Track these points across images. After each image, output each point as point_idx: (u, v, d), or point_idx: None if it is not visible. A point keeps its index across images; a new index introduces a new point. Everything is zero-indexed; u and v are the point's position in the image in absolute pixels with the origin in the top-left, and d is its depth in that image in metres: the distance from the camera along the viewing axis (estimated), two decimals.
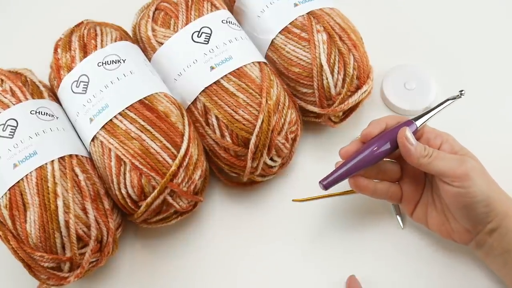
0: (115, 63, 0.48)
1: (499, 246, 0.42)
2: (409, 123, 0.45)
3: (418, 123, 0.45)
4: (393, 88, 0.57)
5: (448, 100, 0.47)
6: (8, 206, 0.43)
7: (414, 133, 0.44)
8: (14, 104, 0.47)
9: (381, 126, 0.45)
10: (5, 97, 0.47)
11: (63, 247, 0.43)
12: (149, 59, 0.52)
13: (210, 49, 0.49)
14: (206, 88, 0.48)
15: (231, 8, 0.56)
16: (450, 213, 0.45)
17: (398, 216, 0.51)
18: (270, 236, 0.51)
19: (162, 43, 0.51)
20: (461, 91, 0.47)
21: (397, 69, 0.58)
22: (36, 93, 0.50)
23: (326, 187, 0.44)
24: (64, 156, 0.45)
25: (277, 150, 0.49)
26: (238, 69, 0.48)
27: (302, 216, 0.52)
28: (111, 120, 0.46)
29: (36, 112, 0.47)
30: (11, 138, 0.45)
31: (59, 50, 0.50)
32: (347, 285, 0.47)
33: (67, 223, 0.43)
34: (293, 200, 0.53)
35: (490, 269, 0.46)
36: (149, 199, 0.45)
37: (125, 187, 0.45)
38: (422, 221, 0.47)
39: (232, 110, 0.47)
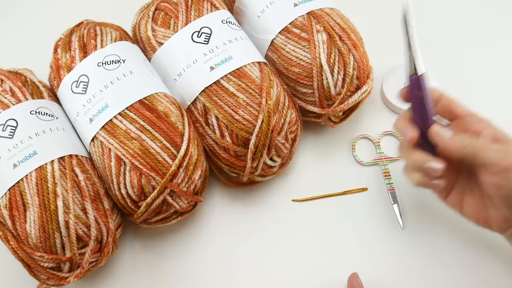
0: (115, 63, 0.48)
1: None
2: (416, 80, 0.42)
3: (419, 71, 0.42)
4: (393, 88, 0.57)
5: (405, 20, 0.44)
6: (8, 206, 0.43)
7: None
8: (14, 104, 0.47)
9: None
10: (5, 97, 0.47)
11: (63, 247, 0.43)
12: (149, 59, 0.52)
13: (210, 49, 0.49)
14: (206, 88, 0.48)
15: (231, 8, 0.56)
16: (489, 201, 0.43)
17: (398, 217, 0.51)
18: (270, 236, 0.51)
19: (162, 43, 0.51)
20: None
21: (397, 69, 0.58)
22: (36, 93, 0.50)
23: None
24: (64, 156, 0.45)
25: (277, 150, 0.49)
26: (238, 69, 0.48)
27: (302, 216, 0.52)
28: (111, 120, 0.46)
29: (36, 112, 0.47)
30: (11, 138, 0.45)
31: (59, 50, 0.50)
32: (349, 282, 0.47)
33: (67, 223, 0.43)
34: (293, 200, 0.53)
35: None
36: (149, 199, 0.45)
37: (125, 187, 0.45)
38: (457, 207, 0.45)
39: (232, 110, 0.47)
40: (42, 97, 0.50)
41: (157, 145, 0.45)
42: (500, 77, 0.59)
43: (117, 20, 0.55)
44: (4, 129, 0.45)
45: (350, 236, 0.51)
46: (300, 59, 0.50)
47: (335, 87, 0.50)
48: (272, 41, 0.52)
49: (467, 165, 0.43)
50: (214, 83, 0.48)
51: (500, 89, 0.58)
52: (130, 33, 0.56)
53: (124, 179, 0.45)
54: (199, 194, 0.49)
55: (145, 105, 0.46)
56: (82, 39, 0.50)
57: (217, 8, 0.52)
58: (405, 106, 0.55)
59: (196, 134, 0.49)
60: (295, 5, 0.51)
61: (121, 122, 0.46)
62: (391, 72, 0.57)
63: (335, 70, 0.49)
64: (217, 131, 0.48)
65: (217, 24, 0.50)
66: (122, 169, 0.45)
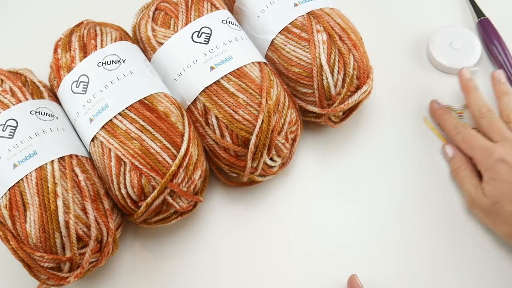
0: (115, 63, 0.48)
1: None
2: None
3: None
4: (439, 47, 0.58)
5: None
6: (8, 206, 0.43)
7: None
8: (14, 104, 0.47)
9: None
10: (5, 97, 0.47)
11: (63, 247, 0.43)
12: (149, 59, 0.52)
13: (210, 49, 0.49)
14: (206, 88, 0.48)
15: (231, 8, 0.56)
16: None
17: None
18: (270, 236, 0.51)
19: (162, 43, 0.51)
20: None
21: (443, 30, 0.59)
22: (36, 93, 0.50)
23: None
24: (64, 156, 0.45)
25: (277, 150, 0.49)
26: (238, 69, 0.48)
27: (302, 216, 0.52)
28: (111, 120, 0.46)
29: (36, 112, 0.47)
30: (11, 138, 0.45)
31: (59, 50, 0.50)
32: (349, 284, 0.47)
33: (67, 223, 0.43)
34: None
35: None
36: (149, 199, 0.45)
37: (125, 187, 0.45)
38: None
39: (232, 110, 0.47)
40: (42, 97, 0.50)
41: (157, 145, 0.45)
42: None
43: (117, 20, 0.55)
44: (4, 129, 0.45)
45: (351, 236, 0.51)
46: (300, 59, 0.50)
47: (335, 87, 0.50)
48: (272, 41, 0.52)
49: None
50: (214, 83, 0.48)
51: None
52: (130, 33, 0.56)
53: (124, 179, 0.45)
54: (199, 194, 0.49)
55: (145, 105, 0.46)
56: (82, 39, 0.50)
57: (217, 8, 0.52)
58: (450, 64, 0.57)
59: (196, 134, 0.49)
60: (295, 5, 0.51)
61: (121, 122, 0.46)
62: (438, 32, 0.59)
63: (335, 70, 0.49)
64: (217, 131, 0.48)
65: (217, 24, 0.50)
66: (122, 169, 0.45)
